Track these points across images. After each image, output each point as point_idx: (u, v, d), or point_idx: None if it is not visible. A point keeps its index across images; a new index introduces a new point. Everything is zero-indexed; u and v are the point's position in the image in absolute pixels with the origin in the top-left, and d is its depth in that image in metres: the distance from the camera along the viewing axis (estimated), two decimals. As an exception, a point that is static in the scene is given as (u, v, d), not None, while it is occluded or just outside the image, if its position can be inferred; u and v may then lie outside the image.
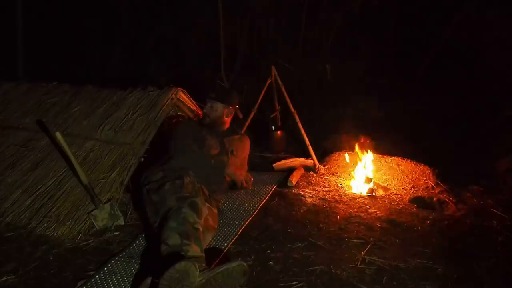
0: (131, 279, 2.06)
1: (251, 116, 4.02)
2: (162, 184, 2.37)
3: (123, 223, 2.67)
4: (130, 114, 3.12)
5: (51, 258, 2.28)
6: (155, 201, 2.35)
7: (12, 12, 6.57)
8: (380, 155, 3.89)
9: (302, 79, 6.41)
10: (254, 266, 2.18)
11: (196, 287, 1.74)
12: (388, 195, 3.31)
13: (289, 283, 2.03)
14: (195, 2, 7.08)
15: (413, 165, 3.72)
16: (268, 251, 2.34)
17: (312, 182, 3.60)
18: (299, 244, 2.42)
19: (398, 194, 3.33)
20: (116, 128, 3.06)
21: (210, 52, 6.89)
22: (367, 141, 3.84)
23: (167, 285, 1.67)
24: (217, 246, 2.37)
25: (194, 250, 1.93)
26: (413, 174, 3.63)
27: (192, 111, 3.44)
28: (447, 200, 3.12)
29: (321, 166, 3.93)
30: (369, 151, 3.75)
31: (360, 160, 3.69)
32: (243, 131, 3.72)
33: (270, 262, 2.22)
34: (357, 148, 3.79)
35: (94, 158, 2.92)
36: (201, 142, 2.82)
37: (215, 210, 2.47)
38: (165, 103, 3.07)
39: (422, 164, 3.70)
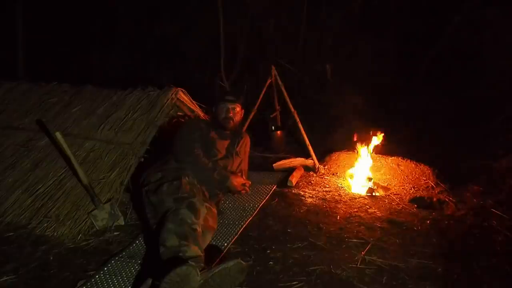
0: (131, 279, 2.06)
1: (251, 116, 4.02)
2: (160, 185, 2.37)
3: (123, 223, 2.67)
4: (130, 114, 3.12)
5: (51, 258, 2.29)
6: (153, 202, 2.35)
7: (12, 12, 6.57)
8: (380, 155, 3.89)
9: (302, 79, 6.41)
10: (254, 266, 2.18)
11: (195, 288, 1.75)
12: (388, 195, 3.31)
13: (289, 283, 2.03)
14: (195, 2, 7.08)
15: (413, 165, 3.72)
16: (268, 251, 2.34)
17: (312, 182, 3.60)
18: (299, 244, 2.42)
19: (398, 194, 3.33)
20: (116, 128, 3.06)
21: (210, 52, 6.89)
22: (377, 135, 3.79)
23: None
24: (217, 246, 2.37)
25: (193, 250, 1.93)
26: (413, 174, 3.63)
27: (192, 111, 3.44)
28: (447, 200, 3.12)
29: (321, 166, 3.93)
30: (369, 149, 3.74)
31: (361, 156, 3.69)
32: (243, 131, 3.72)
33: (270, 262, 2.22)
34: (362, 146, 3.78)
35: (94, 158, 2.92)
36: (209, 146, 2.79)
37: (215, 210, 2.47)
38: (165, 103, 3.07)
39: (422, 164, 3.70)
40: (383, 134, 3.72)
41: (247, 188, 2.90)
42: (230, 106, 2.85)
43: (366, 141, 3.76)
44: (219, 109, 2.87)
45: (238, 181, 2.82)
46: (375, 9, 6.74)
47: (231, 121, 2.87)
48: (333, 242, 2.47)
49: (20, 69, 6.65)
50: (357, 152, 3.77)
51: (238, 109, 2.89)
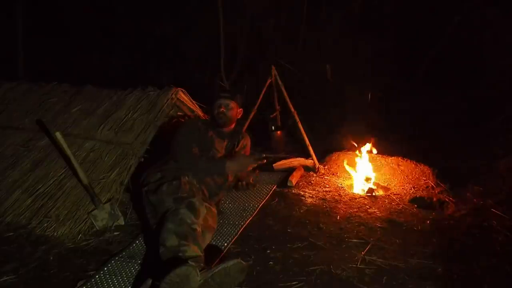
0: (131, 279, 2.06)
1: (251, 116, 4.02)
2: (160, 185, 2.37)
3: (123, 223, 2.67)
4: (130, 114, 3.12)
5: (51, 258, 2.29)
6: (153, 202, 2.35)
7: (13, 12, 6.57)
8: (380, 155, 3.88)
9: (302, 79, 6.41)
10: (254, 266, 2.18)
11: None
12: (388, 195, 3.31)
13: (289, 283, 2.03)
14: (195, 2, 7.08)
15: (413, 165, 3.72)
16: (268, 251, 2.34)
17: (312, 182, 3.60)
18: (299, 244, 2.42)
19: (398, 194, 3.33)
20: (116, 128, 3.06)
21: (210, 52, 6.90)
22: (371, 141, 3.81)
23: None
24: (217, 246, 2.37)
25: (193, 250, 1.94)
26: (413, 174, 3.63)
27: (192, 111, 3.44)
28: (447, 200, 3.12)
29: (321, 166, 3.93)
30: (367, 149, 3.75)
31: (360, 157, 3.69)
32: (243, 131, 3.71)
33: (270, 262, 2.22)
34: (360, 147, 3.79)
35: (94, 158, 2.92)
36: (208, 146, 2.78)
37: (215, 210, 2.47)
38: (165, 103, 3.07)
39: (422, 164, 3.70)
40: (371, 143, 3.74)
41: (258, 162, 2.73)
42: (223, 102, 2.83)
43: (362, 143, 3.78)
44: (213, 105, 2.86)
45: (238, 159, 2.74)
46: (375, 9, 6.75)
47: (223, 116, 2.81)
48: (333, 242, 2.47)
49: (20, 69, 6.65)
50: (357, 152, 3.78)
51: (232, 105, 2.84)
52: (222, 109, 2.81)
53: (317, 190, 3.38)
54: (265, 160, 2.77)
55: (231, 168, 2.69)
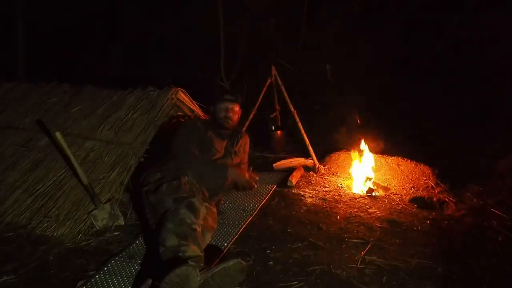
0: (131, 279, 2.06)
1: (251, 116, 4.02)
2: (160, 185, 2.37)
3: (123, 223, 2.67)
4: (130, 114, 3.12)
5: (51, 258, 2.29)
6: (153, 202, 2.35)
7: (12, 12, 6.57)
8: (380, 155, 3.89)
9: (302, 79, 6.41)
10: (254, 266, 2.18)
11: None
12: (388, 195, 3.31)
13: (289, 283, 2.03)
14: (196, 2, 7.08)
15: (413, 165, 3.72)
16: (268, 251, 2.34)
17: (312, 182, 3.60)
18: (299, 244, 2.42)
19: (398, 194, 3.33)
20: (116, 128, 3.06)
21: (210, 52, 6.90)
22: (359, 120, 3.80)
23: None
24: (217, 246, 2.37)
25: (192, 250, 1.94)
26: (413, 174, 3.63)
27: (192, 111, 3.44)
28: (447, 200, 3.12)
29: (321, 166, 3.93)
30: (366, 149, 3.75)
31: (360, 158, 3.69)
32: (243, 130, 3.72)
33: (270, 262, 2.22)
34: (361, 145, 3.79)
35: (94, 158, 2.92)
36: (207, 146, 2.78)
37: (215, 210, 2.47)
38: (165, 103, 3.07)
39: (422, 164, 3.70)
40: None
41: (254, 183, 2.83)
42: (229, 105, 2.84)
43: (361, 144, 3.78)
44: (218, 108, 2.86)
45: (240, 171, 2.78)
46: (375, 9, 6.75)
47: (230, 121, 2.85)
48: (333, 242, 2.47)
49: (20, 69, 6.65)
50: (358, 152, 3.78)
51: (236, 108, 2.87)
52: (230, 114, 2.84)
53: (317, 190, 3.38)
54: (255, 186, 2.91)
55: (231, 175, 2.72)
